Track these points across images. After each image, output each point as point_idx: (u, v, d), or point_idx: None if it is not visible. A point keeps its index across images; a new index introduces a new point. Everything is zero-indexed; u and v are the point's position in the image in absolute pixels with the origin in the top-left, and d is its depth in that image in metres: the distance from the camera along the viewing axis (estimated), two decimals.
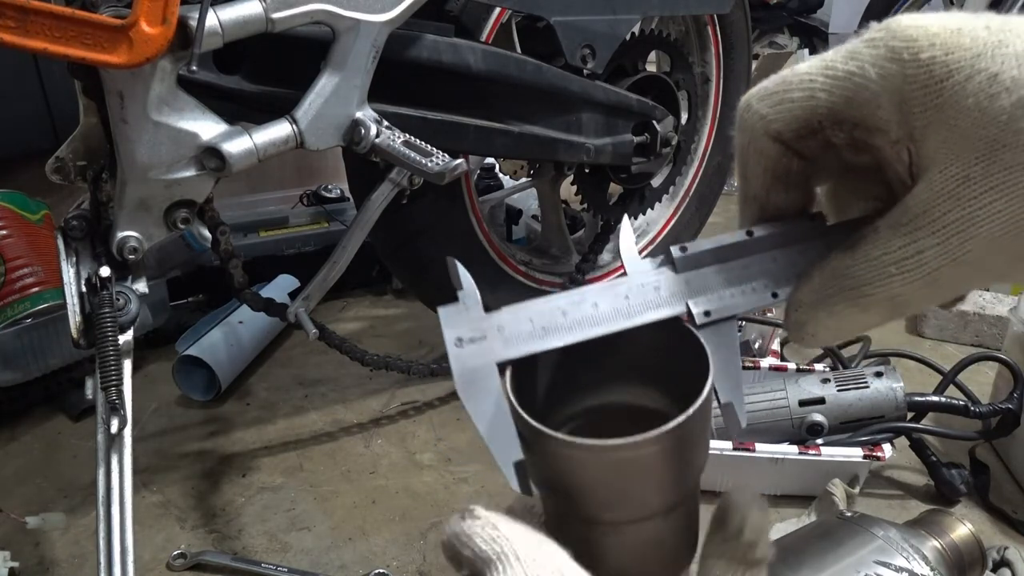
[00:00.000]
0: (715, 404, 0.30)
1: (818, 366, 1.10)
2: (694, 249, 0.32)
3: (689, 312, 0.31)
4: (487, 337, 0.29)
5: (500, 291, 1.19)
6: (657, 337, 0.32)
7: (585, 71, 1.05)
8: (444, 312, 0.31)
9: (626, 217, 0.34)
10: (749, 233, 0.32)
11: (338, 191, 1.67)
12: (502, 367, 0.29)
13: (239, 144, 0.72)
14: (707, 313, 0.31)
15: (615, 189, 1.24)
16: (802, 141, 0.29)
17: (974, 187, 0.25)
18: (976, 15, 0.26)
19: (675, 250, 0.32)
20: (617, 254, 1.40)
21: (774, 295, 0.31)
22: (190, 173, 0.73)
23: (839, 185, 0.34)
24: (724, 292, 0.31)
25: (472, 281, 0.31)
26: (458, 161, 0.74)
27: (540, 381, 0.33)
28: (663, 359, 0.33)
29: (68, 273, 0.74)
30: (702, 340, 0.30)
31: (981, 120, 0.25)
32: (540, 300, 0.30)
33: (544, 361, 0.32)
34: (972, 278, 0.27)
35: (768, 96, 0.29)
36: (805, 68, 0.29)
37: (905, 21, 0.26)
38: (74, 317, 0.72)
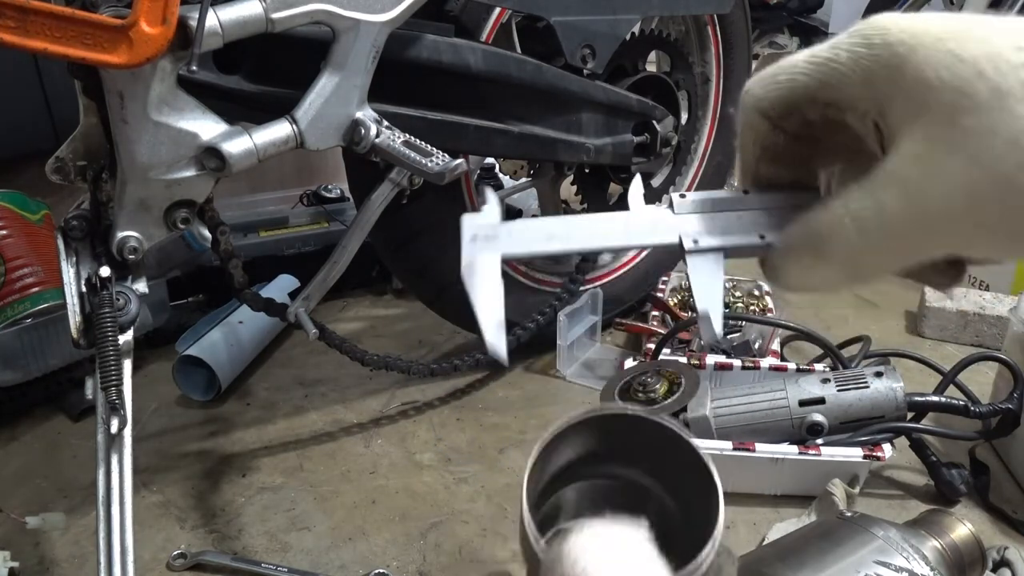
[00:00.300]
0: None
1: (818, 366, 1.10)
2: (692, 197, 0.36)
3: (680, 242, 0.34)
4: (498, 236, 0.34)
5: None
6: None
7: (585, 71, 1.05)
8: (467, 218, 0.34)
9: (638, 175, 0.38)
10: (745, 192, 0.36)
11: (338, 191, 1.67)
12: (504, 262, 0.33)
13: (239, 144, 0.72)
14: (695, 241, 0.34)
15: (615, 189, 1.24)
16: (785, 119, 0.33)
17: (934, 148, 0.27)
18: (951, 15, 0.28)
19: (675, 196, 0.36)
20: (617, 254, 1.40)
21: (761, 237, 0.34)
22: (190, 173, 0.73)
23: (841, 172, 0.36)
24: (715, 230, 0.34)
25: (497, 198, 0.36)
26: (458, 161, 0.74)
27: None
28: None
29: (68, 273, 0.74)
30: (710, 467, 0.34)
31: (940, 89, 0.27)
32: (551, 218, 0.34)
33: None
34: (933, 239, 0.28)
35: (762, 80, 0.34)
36: (795, 56, 0.33)
37: (883, 16, 0.30)
38: (74, 317, 0.72)
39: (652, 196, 1.28)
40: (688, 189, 1.46)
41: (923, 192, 0.27)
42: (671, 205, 0.35)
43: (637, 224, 0.35)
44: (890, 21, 0.29)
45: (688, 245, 0.34)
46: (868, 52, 0.29)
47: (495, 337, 0.31)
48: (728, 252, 0.34)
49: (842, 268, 0.30)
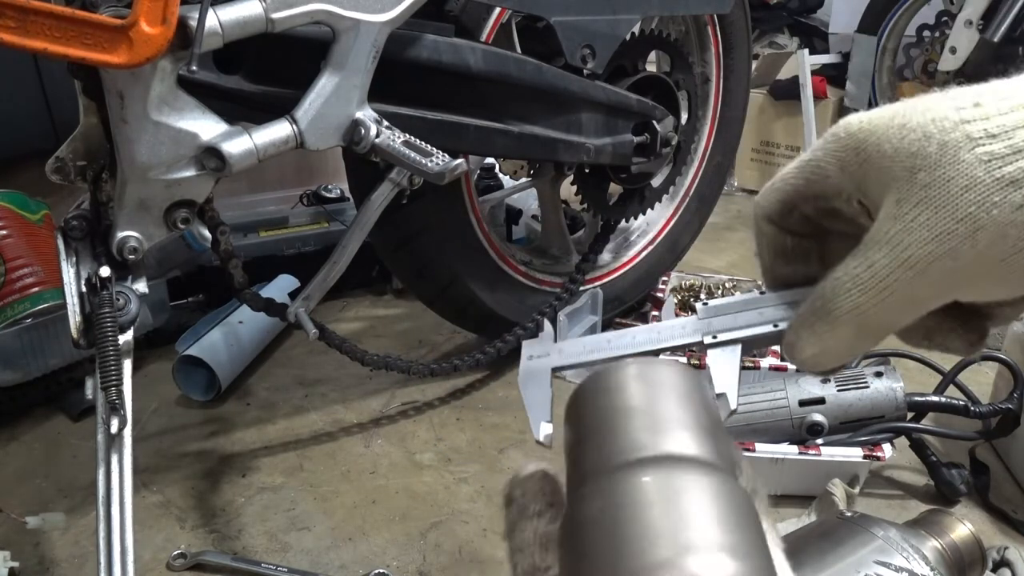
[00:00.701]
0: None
1: None
2: (714, 303, 0.40)
3: (702, 340, 0.39)
4: (550, 354, 0.40)
5: (500, 291, 1.19)
6: None
7: (585, 71, 1.05)
8: (527, 343, 0.41)
9: (670, 300, 0.43)
10: (762, 292, 0.39)
11: (338, 191, 1.67)
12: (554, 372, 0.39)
13: (239, 144, 0.72)
14: (714, 337, 0.39)
15: (615, 189, 1.24)
16: (785, 219, 0.37)
17: (904, 205, 0.31)
18: (900, 103, 0.33)
19: (698, 304, 0.40)
20: (617, 254, 1.40)
21: (775, 326, 0.38)
22: (190, 173, 0.73)
23: None
24: (733, 326, 0.39)
25: (551, 327, 0.42)
26: (458, 161, 0.74)
27: None
28: None
29: (68, 273, 0.74)
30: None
31: (896, 156, 0.31)
32: (592, 336, 0.40)
33: None
34: (924, 287, 0.31)
35: (764, 192, 0.38)
36: (787, 167, 0.37)
37: (849, 116, 0.34)
38: (74, 317, 0.72)
39: (652, 196, 1.28)
40: (688, 189, 1.46)
41: (903, 244, 0.31)
42: (694, 310, 0.41)
43: (668, 332, 0.40)
44: (853, 118, 0.34)
45: (708, 340, 0.39)
46: (839, 146, 0.34)
47: (542, 430, 0.38)
48: (745, 343, 0.38)
49: (850, 327, 0.33)
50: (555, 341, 0.40)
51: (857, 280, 0.32)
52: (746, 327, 0.39)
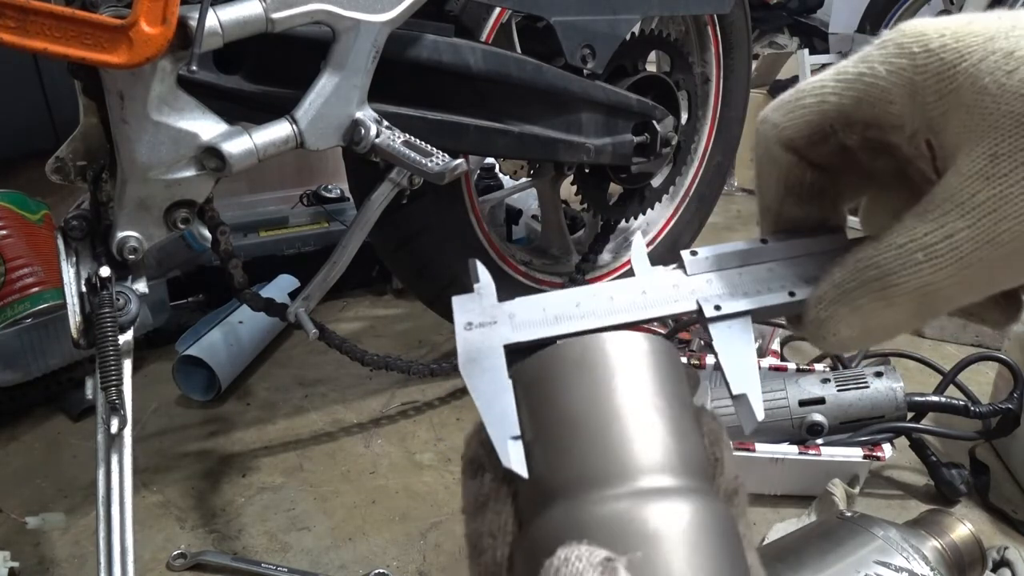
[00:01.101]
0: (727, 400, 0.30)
1: (818, 366, 1.10)
2: (705, 253, 0.31)
3: (699, 308, 0.30)
4: (497, 322, 0.30)
5: (500, 291, 1.19)
6: None
7: (585, 71, 1.05)
8: (458, 300, 0.30)
9: (639, 233, 0.35)
10: (764, 241, 0.32)
11: (338, 191, 1.67)
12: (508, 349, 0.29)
13: (239, 144, 0.72)
14: (717, 308, 0.30)
15: (615, 189, 1.24)
16: (815, 148, 0.29)
17: (1004, 164, 0.24)
18: (989, 13, 0.26)
19: (686, 254, 0.31)
20: (617, 254, 1.40)
21: (791, 294, 0.30)
22: (190, 173, 0.73)
23: (871, 202, 0.33)
24: (737, 291, 0.30)
25: (489, 275, 0.31)
26: (458, 161, 0.74)
27: None
28: None
29: (68, 273, 0.74)
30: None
31: (1002, 96, 0.24)
32: (555, 292, 0.30)
33: None
34: (1010, 267, 0.25)
35: (782, 105, 0.29)
36: (819, 76, 0.29)
37: (915, 21, 0.26)
38: (74, 317, 0.72)
39: (652, 196, 1.28)
40: (688, 189, 1.46)
41: (996, 215, 0.24)
42: (682, 265, 0.32)
43: (657, 292, 0.31)
44: (925, 26, 0.26)
45: (709, 311, 0.30)
46: (910, 63, 0.26)
47: (511, 453, 0.26)
48: (756, 314, 0.30)
49: (911, 307, 0.27)
50: (498, 299, 0.30)
51: (932, 252, 0.25)
52: (755, 293, 0.30)
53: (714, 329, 0.30)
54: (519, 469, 0.26)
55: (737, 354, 0.29)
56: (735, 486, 0.27)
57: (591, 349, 0.26)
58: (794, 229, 0.32)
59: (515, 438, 0.27)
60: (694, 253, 0.31)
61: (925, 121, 0.26)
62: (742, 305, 0.30)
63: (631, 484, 0.24)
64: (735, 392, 0.29)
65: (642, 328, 0.30)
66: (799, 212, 0.31)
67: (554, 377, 0.26)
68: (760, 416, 0.28)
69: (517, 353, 0.29)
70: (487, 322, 0.30)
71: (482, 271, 0.32)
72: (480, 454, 0.27)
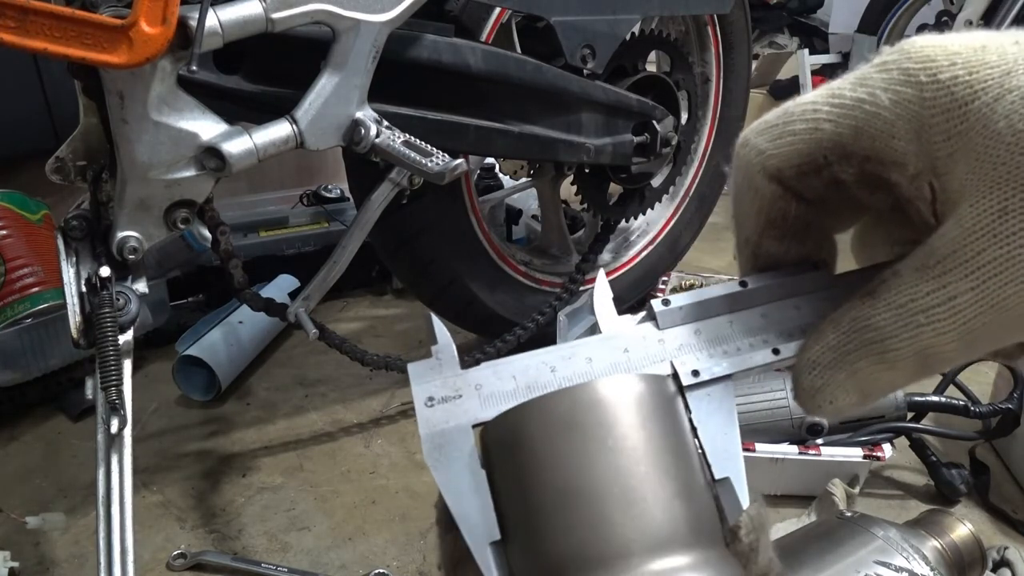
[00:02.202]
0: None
1: None
2: (678, 302, 0.28)
3: (674, 371, 0.26)
4: (462, 396, 0.26)
5: (500, 291, 1.19)
6: None
7: (585, 71, 1.05)
8: (414, 369, 0.27)
9: (602, 271, 0.30)
10: (743, 284, 0.28)
11: (338, 191, 1.67)
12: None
13: (239, 144, 0.72)
14: (695, 373, 0.26)
15: (615, 189, 1.24)
16: (805, 179, 0.26)
17: (1013, 221, 0.21)
18: (1002, 33, 0.23)
19: (657, 304, 0.28)
20: (617, 254, 1.40)
21: (775, 351, 0.27)
22: (190, 173, 0.73)
23: (862, 230, 0.31)
24: (715, 349, 0.27)
25: (448, 336, 0.27)
26: (458, 161, 0.74)
27: None
28: None
29: (68, 273, 0.74)
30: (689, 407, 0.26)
31: (1017, 145, 0.21)
32: (525, 355, 0.27)
33: None
34: (1016, 329, 0.23)
35: (768, 129, 0.26)
36: (810, 98, 0.26)
37: (920, 41, 0.24)
38: (74, 317, 0.72)
39: (652, 196, 1.28)
40: (689, 189, 1.46)
41: (1001, 277, 0.22)
42: (653, 317, 0.28)
43: (640, 349, 0.27)
44: (934, 50, 0.23)
45: (687, 379, 0.26)
46: (916, 95, 0.23)
47: (492, 562, 0.23)
48: (738, 377, 0.27)
49: (911, 370, 0.24)
50: (460, 365, 0.27)
51: (933, 316, 0.23)
52: (735, 352, 0.27)
53: (693, 399, 0.26)
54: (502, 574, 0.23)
55: (718, 428, 0.26)
56: (765, 571, 0.25)
57: (581, 404, 0.23)
58: (774, 265, 0.29)
59: (496, 544, 0.23)
60: (666, 303, 0.28)
61: (929, 162, 0.23)
62: (721, 368, 0.27)
63: (639, 568, 0.21)
64: (717, 475, 0.25)
65: None
66: (780, 248, 0.28)
67: (538, 440, 0.23)
68: (745, 504, 0.25)
69: None
70: (451, 396, 0.26)
71: (440, 331, 0.28)
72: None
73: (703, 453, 0.25)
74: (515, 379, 0.26)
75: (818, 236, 0.29)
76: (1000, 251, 0.22)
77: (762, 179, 0.26)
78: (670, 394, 0.25)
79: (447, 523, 0.25)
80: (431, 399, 0.26)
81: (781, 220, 0.27)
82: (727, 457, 0.25)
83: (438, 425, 0.25)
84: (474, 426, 0.25)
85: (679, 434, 0.24)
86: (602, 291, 0.29)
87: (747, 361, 0.27)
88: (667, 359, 0.27)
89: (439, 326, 0.28)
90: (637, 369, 0.26)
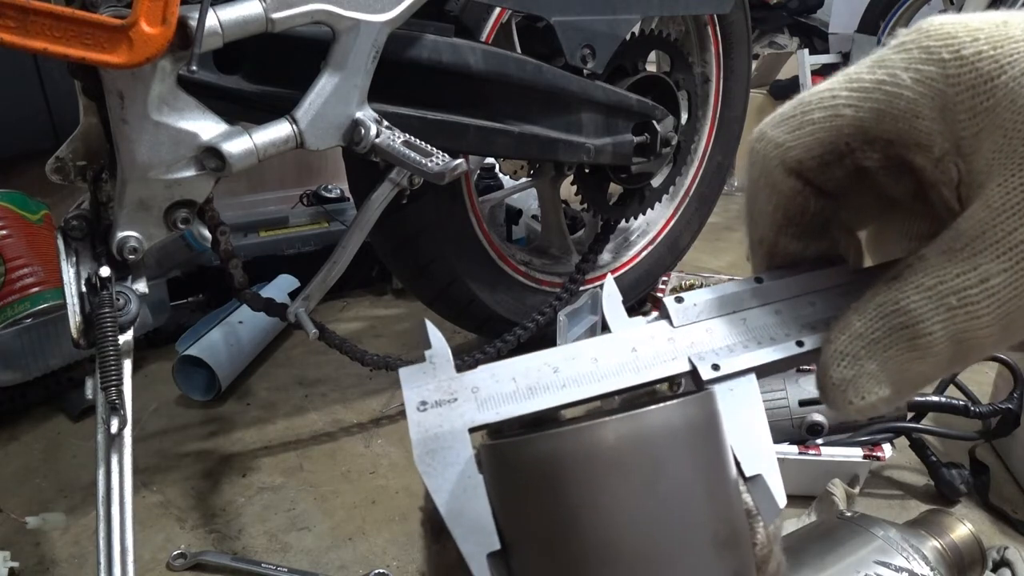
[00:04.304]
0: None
1: None
2: (692, 299, 0.27)
3: (693, 368, 0.25)
4: (458, 399, 0.24)
5: (500, 291, 1.19)
6: None
7: (585, 71, 1.05)
8: (406, 373, 0.25)
9: (610, 276, 0.30)
10: (758, 280, 0.27)
11: (338, 191, 1.68)
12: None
13: (239, 144, 0.72)
14: (715, 367, 0.25)
15: (615, 189, 1.24)
16: (827, 171, 0.25)
17: None
18: (1020, 10, 0.23)
19: (670, 301, 0.27)
20: (617, 254, 1.40)
21: (799, 343, 0.26)
22: (190, 173, 0.73)
23: (881, 226, 0.30)
24: (733, 343, 0.26)
25: (443, 340, 0.26)
26: (458, 161, 0.74)
27: None
28: None
29: (68, 273, 0.74)
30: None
31: None
32: (525, 357, 0.26)
33: None
34: None
35: (785, 121, 0.25)
36: (826, 85, 0.25)
37: (939, 19, 0.23)
38: (74, 317, 0.72)
39: (652, 196, 1.28)
40: (689, 189, 1.46)
41: None
42: (667, 315, 0.27)
43: (649, 347, 0.26)
44: (954, 27, 0.22)
45: (707, 373, 0.25)
46: (939, 72, 0.22)
47: (487, 573, 0.22)
48: (760, 371, 0.26)
49: (945, 358, 0.23)
50: (456, 369, 0.25)
51: (966, 298, 0.22)
52: (756, 345, 0.26)
53: (720, 395, 0.25)
54: None
55: (746, 423, 0.24)
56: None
57: (628, 440, 0.21)
58: (791, 264, 0.28)
59: (495, 555, 0.22)
60: (679, 300, 0.27)
61: (954, 141, 0.22)
62: (744, 362, 0.25)
63: None
64: (748, 472, 0.24)
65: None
66: (798, 246, 0.27)
67: (576, 480, 0.21)
68: (782, 503, 0.24)
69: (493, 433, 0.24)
70: (445, 400, 0.24)
71: (435, 335, 0.26)
72: (436, 519, 0.23)
73: (731, 448, 0.24)
74: (515, 381, 0.25)
75: (837, 233, 0.28)
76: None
77: (780, 173, 0.25)
78: (715, 414, 0.23)
79: (434, 531, 0.23)
80: (424, 403, 0.24)
81: (800, 216, 0.26)
82: (758, 454, 0.24)
83: (431, 430, 0.24)
84: (471, 430, 0.24)
85: (723, 465, 0.23)
86: (611, 293, 0.28)
87: (770, 354, 0.26)
88: (679, 357, 0.26)
89: (433, 331, 0.26)
90: (647, 368, 0.25)
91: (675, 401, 0.22)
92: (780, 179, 0.25)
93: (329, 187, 1.68)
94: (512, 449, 0.22)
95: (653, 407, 0.22)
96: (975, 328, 0.22)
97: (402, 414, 1.16)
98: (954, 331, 0.22)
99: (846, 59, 2.38)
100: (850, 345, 0.24)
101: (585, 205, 1.22)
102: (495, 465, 0.23)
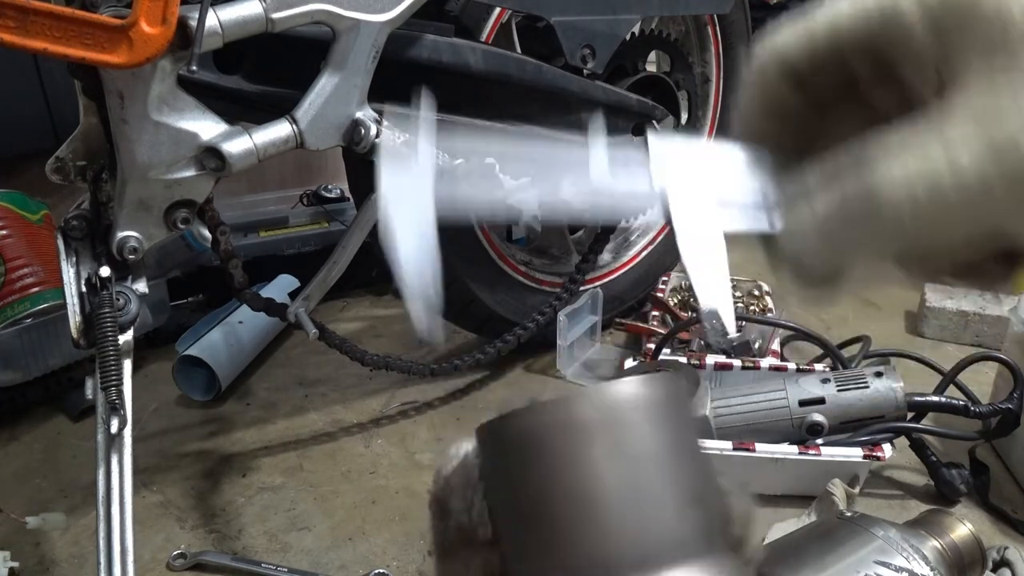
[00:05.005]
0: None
1: (818, 366, 1.10)
2: (675, 140, 0.28)
3: (663, 197, 0.27)
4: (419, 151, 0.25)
5: (500, 291, 1.19)
6: None
7: (585, 71, 1.05)
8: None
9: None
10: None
11: (338, 191, 1.67)
12: None
13: (239, 144, 0.72)
14: (684, 198, 0.26)
15: None
16: (815, 74, 0.26)
17: (1015, 81, 0.22)
18: None
19: (650, 131, 0.29)
20: (617, 254, 1.40)
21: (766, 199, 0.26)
22: (190, 173, 0.73)
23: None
24: (708, 181, 0.27)
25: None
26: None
27: None
28: None
29: (68, 273, 0.74)
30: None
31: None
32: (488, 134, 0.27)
33: None
34: (1009, 190, 0.22)
35: (787, 28, 0.27)
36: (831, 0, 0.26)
37: None
38: (74, 317, 0.72)
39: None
40: None
41: (999, 121, 0.22)
42: (646, 142, 0.27)
43: (613, 169, 0.26)
44: None
45: (674, 203, 0.26)
46: None
47: (426, 317, 0.23)
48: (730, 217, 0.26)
49: (904, 232, 0.23)
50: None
51: (922, 143, 0.23)
52: (730, 189, 0.26)
53: (679, 225, 0.26)
54: (434, 334, 0.23)
55: (707, 258, 0.26)
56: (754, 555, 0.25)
57: (595, 408, 0.22)
58: (760, 141, 0.29)
59: (433, 296, 0.22)
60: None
61: (941, 50, 0.24)
62: (714, 199, 0.26)
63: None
64: (703, 306, 0.25)
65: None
66: (771, 127, 0.29)
67: (549, 443, 0.22)
68: (732, 330, 0.27)
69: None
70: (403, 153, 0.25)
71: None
72: (447, 495, 0.24)
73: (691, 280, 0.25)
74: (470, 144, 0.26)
75: (807, 149, 0.28)
76: (999, 102, 0.22)
77: (776, 73, 0.27)
78: (681, 393, 0.24)
79: (440, 510, 0.24)
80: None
81: (786, 120, 0.28)
82: (713, 285, 0.25)
83: (394, 179, 0.24)
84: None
85: (690, 436, 0.24)
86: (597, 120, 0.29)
87: (742, 199, 0.26)
88: (635, 184, 0.27)
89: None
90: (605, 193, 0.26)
91: (637, 377, 0.24)
92: (774, 78, 0.27)
93: (329, 187, 1.68)
94: (500, 424, 0.23)
95: (616, 381, 0.23)
96: (939, 197, 0.22)
97: (402, 414, 1.16)
98: (907, 173, 0.23)
99: None
100: (811, 210, 0.25)
101: None
102: (488, 442, 0.24)
